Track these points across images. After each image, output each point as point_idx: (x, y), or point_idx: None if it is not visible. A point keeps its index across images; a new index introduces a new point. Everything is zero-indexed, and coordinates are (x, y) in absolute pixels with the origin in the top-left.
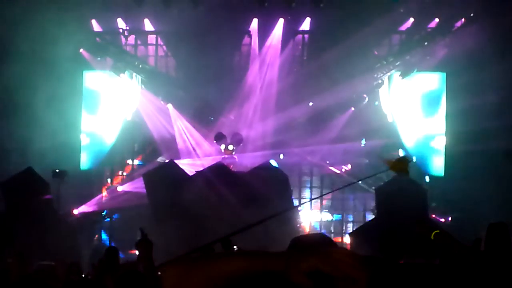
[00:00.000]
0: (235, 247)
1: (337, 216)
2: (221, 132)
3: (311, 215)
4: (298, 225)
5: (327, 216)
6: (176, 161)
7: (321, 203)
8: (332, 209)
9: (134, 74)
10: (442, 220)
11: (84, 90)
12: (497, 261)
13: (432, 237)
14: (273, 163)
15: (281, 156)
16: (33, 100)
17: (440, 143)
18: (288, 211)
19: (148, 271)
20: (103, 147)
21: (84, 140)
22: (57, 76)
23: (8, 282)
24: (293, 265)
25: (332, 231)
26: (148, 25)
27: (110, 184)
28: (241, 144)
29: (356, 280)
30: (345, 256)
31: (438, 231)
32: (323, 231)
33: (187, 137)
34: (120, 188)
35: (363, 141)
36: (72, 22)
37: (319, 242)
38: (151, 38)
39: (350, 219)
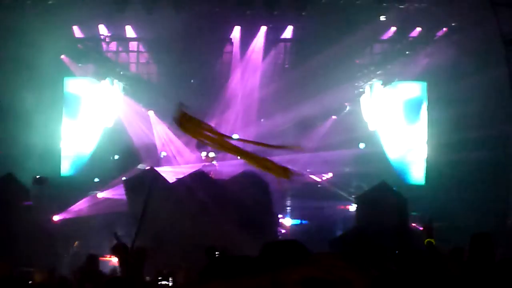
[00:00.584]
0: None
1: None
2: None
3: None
4: (277, 233)
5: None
6: (156, 168)
7: (302, 211)
8: (311, 218)
9: (116, 80)
10: (422, 229)
11: (65, 96)
12: (481, 271)
13: (425, 242)
14: (235, 136)
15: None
16: (15, 106)
17: (421, 152)
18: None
19: (127, 274)
20: (84, 153)
21: (65, 147)
22: (38, 82)
23: None
24: (283, 279)
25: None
26: (130, 32)
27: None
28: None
29: (351, 281)
30: (336, 260)
31: (432, 240)
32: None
33: (167, 144)
34: (100, 195)
35: (362, 145)
36: (54, 28)
37: (292, 250)
38: (133, 45)
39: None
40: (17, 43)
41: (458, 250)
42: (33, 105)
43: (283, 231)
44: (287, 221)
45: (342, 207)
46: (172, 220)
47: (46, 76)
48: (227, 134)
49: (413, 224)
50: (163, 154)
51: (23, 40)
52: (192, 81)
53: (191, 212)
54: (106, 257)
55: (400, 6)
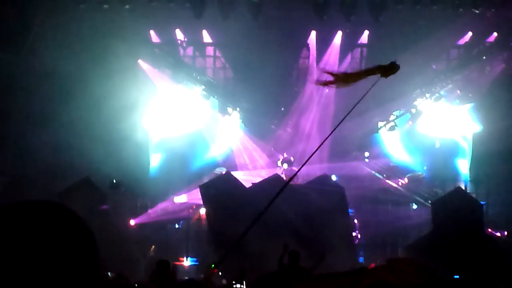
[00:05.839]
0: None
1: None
2: (288, 157)
3: None
4: (353, 237)
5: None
6: (232, 173)
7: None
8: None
9: (192, 85)
10: (498, 234)
11: (148, 99)
12: None
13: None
14: (334, 178)
15: (334, 177)
16: (91, 111)
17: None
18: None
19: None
20: (162, 159)
21: (149, 151)
22: (117, 87)
23: None
24: (362, 279)
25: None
26: (206, 37)
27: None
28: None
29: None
30: (407, 265)
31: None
32: None
33: (244, 149)
34: (177, 199)
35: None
36: (131, 33)
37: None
38: (209, 50)
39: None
40: (95, 48)
41: None
42: (112, 109)
43: (359, 236)
44: None
45: None
46: (248, 225)
47: (124, 81)
48: (303, 140)
49: (489, 230)
50: (218, 170)
51: (101, 45)
52: (282, 109)
53: (267, 217)
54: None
55: (476, 11)
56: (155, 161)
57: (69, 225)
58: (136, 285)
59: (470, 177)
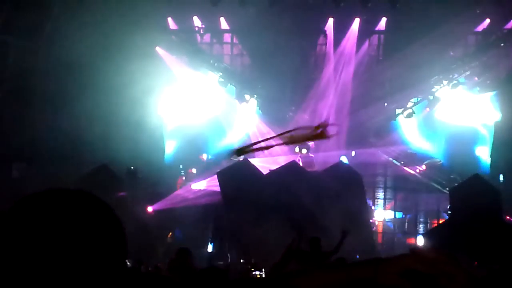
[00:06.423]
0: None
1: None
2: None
3: (384, 213)
4: (371, 224)
5: (399, 215)
6: (250, 159)
7: (395, 202)
8: (405, 209)
9: (210, 72)
10: None
11: (165, 86)
12: None
13: None
14: (344, 159)
15: (353, 153)
16: (111, 95)
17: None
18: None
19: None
20: (179, 144)
21: (164, 135)
22: (134, 74)
23: None
24: (384, 269)
25: (406, 229)
26: (223, 24)
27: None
28: (312, 147)
29: (454, 276)
30: (438, 255)
31: None
32: (396, 231)
33: (261, 135)
34: (194, 186)
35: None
36: (149, 19)
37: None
38: (227, 37)
39: (422, 219)
40: (113, 35)
41: None
42: (130, 96)
43: (376, 222)
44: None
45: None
46: (266, 212)
47: (141, 68)
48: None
49: (507, 217)
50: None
51: (119, 32)
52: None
53: (285, 203)
54: None
55: None
56: (170, 148)
57: (100, 214)
58: (156, 273)
59: (490, 164)
